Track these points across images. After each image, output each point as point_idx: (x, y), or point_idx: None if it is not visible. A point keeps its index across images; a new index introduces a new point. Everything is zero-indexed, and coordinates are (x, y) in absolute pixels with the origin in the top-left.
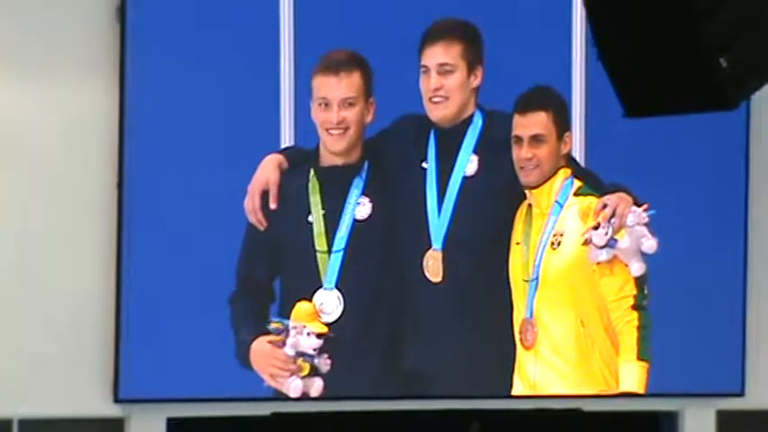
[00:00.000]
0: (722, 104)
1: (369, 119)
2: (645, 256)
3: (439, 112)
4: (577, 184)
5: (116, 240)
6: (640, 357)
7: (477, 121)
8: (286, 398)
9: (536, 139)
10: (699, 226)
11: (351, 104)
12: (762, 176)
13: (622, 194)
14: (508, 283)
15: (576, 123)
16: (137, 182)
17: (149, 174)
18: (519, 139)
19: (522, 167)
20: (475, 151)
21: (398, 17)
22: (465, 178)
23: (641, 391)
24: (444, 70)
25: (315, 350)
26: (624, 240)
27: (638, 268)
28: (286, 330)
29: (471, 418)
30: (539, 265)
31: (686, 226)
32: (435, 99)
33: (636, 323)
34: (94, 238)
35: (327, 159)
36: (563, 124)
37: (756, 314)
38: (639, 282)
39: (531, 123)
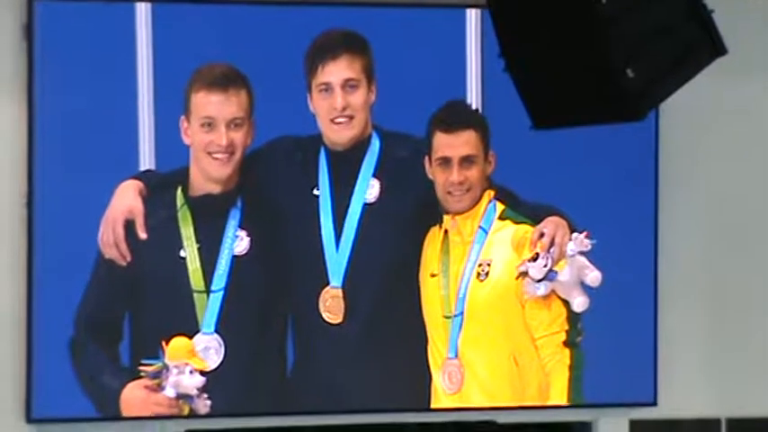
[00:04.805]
0: (630, 115)
1: (248, 142)
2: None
3: (343, 134)
4: (500, 207)
5: (26, 260)
6: (571, 401)
7: (375, 143)
8: (199, 415)
9: (467, 161)
10: (608, 236)
11: (238, 125)
12: (671, 185)
13: (558, 219)
14: (422, 320)
15: None
16: (46, 201)
17: (58, 193)
18: (447, 161)
19: (449, 192)
20: (375, 175)
21: (272, 29)
22: (366, 205)
23: None
24: (350, 86)
25: (198, 389)
26: (564, 272)
27: (580, 303)
28: (166, 370)
29: None
30: (463, 299)
31: (595, 235)
32: (340, 119)
33: (567, 362)
34: (3, 258)
35: (200, 187)
36: (487, 142)
37: (668, 324)
38: (573, 316)
39: (461, 143)
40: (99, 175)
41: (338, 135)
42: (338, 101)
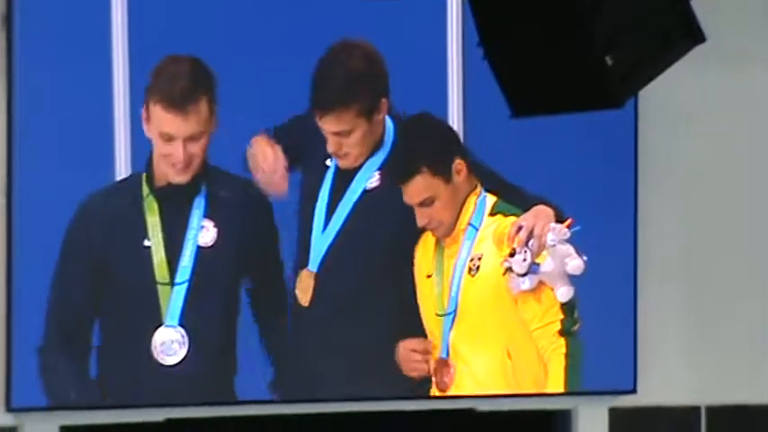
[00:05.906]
0: (609, 103)
1: (212, 130)
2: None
3: (344, 163)
4: (491, 200)
5: (5, 250)
6: (567, 391)
7: (389, 137)
8: (180, 403)
9: (424, 204)
10: (589, 221)
11: (197, 138)
12: (650, 170)
13: (540, 209)
14: (402, 312)
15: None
16: (26, 191)
17: (38, 183)
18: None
19: (424, 227)
20: (379, 168)
21: (244, 18)
22: (365, 191)
23: None
24: (344, 134)
25: None
26: (547, 263)
27: (564, 293)
28: None
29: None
30: (456, 296)
31: (576, 221)
32: (338, 154)
33: (563, 350)
34: None
35: (164, 176)
36: (446, 165)
37: (648, 312)
38: (568, 305)
39: (413, 193)
40: (76, 169)
41: (340, 162)
42: (331, 149)
